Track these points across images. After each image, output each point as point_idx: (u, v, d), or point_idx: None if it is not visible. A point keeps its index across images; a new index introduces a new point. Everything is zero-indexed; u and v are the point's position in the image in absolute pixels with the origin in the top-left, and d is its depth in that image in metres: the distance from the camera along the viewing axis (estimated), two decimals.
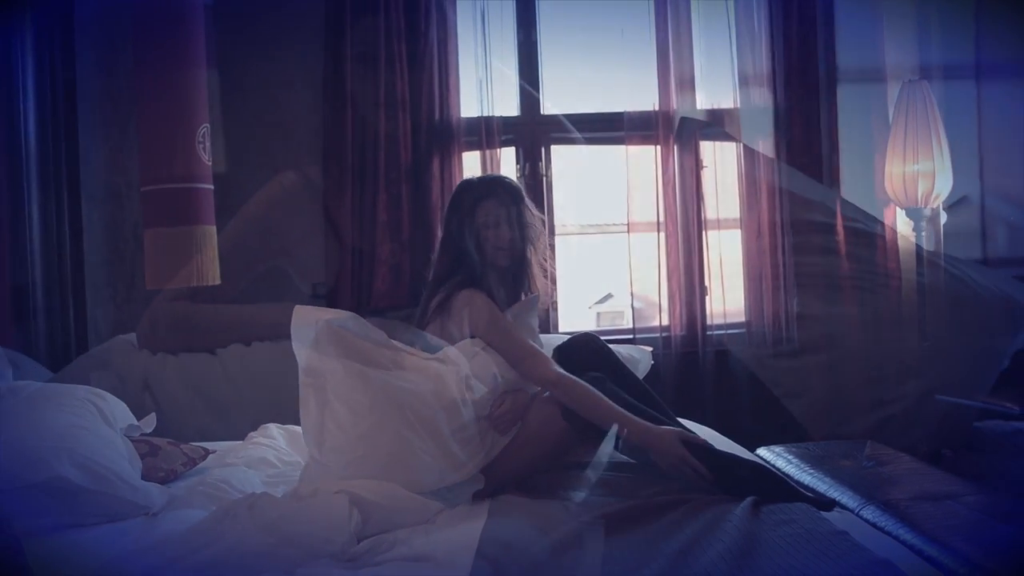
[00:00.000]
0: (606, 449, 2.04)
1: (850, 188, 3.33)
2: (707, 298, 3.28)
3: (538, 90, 3.34)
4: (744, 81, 3.29)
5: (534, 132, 3.33)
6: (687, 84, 3.28)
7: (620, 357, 2.23)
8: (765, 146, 3.26)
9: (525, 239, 2.23)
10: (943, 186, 3.23)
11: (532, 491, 1.95)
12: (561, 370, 2.05)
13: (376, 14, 3.05)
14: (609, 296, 4.12)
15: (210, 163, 2.17)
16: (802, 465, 2.20)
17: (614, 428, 1.94)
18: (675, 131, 3.27)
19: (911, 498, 1.89)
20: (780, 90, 3.28)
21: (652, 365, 2.86)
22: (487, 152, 3.19)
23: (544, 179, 3.33)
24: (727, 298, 3.28)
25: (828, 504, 1.85)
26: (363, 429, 1.90)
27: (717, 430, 2.41)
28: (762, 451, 2.40)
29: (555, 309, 3.31)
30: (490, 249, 2.18)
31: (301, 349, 1.97)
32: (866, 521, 1.79)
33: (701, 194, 3.28)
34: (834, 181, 3.29)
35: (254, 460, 2.23)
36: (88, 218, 3.07)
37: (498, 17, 3.22)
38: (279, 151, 3.18)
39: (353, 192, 3.06)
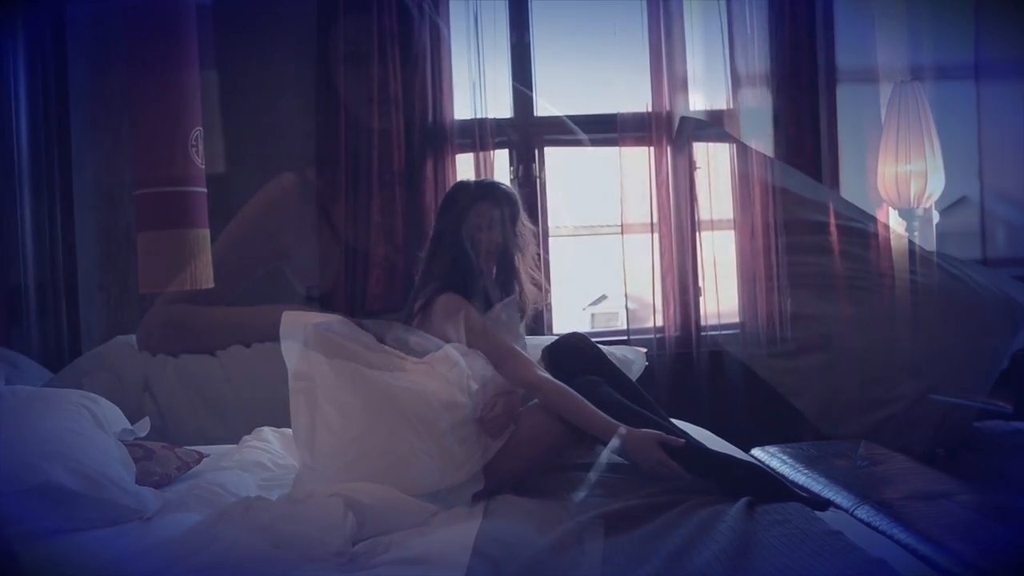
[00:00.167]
0: (601, 450, 2.05)
1: (845, 189, 3.34)
2: (701, 299, 3.28)
3: (531, 92, 3.34)
4: (737, 82, 3.30)
5: (527, 134, 3.33)
6: (680, 85, 3.28)
7: (610, 357, 2.23)
8: (762, 147, 3.27)
9: (515, 246, 2.23)
10: (935, 186, 3.24)
11: (528, 492, 1.95)
12: (543, 373, 2.05)
13: (369, 16, 3.04)
14: (603, 297, 4.12)
15: (203, 166, 2.17)
16: (797, 465, 2.20)
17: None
18: (675, 130, 3.27)
19: (905, 498, 1.90)
20: (775, 91, 3.28)
21: (646, 366, 2.87)
22: (480, 154, 3.19)
23: (538, 181, 3.33)
24: (721, 299, 3.29)
25: (823, 504, 1.85)
26: (354, 432, 1.90)
27: (712, 431, 2.41)
28: (757, 451, 2.41)
29: (549, 311, 3.31)
30: (480, 252, 2.18)
31: (290, 354, 1.97)
32: (860, 521, 1.79)
33: (695, 195, 3.28)
34: (834, 182, 3.30)
35: (248, 463, 2.22)
36: (81, 221, 3.06)
37: (491, 19, 3.21)
38: (273, 154, 3.18)
39: (347, 194, 3.06)
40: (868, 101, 3.44)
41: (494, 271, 2.23)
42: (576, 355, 2.15)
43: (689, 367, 3.26)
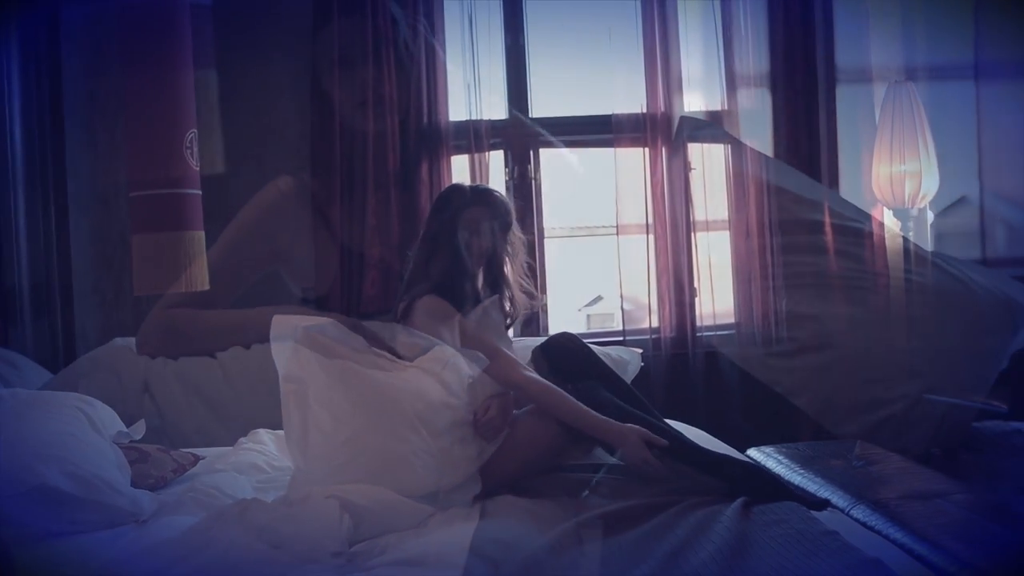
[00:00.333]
0: (598, 451, 2.05)
1: (843, 189, 3.35)
2: (696, 299, 3.29)
3: (526, 93, 3.35)
4: (733, 82, 3.30)
5: (522, 135, 3.33)
6: (675, 86, 3.28)
7: (604, 357, 2.24)
8: (760, 147, 3.27)
9: (505, 252, 2.23)
10: (930, 186, 3.25)
11: (525, 492, 1.95)
12: (528, 372, 2.05)
13: (363, 18, 3.04)
14: (599, 298, 4.13)
15: (198, 168, 2.17)
16: (792, 465, 2.21)
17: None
18: (674, 130, 3.27)
19: (901, 497, 1.90)
20: (772, 91, 3.29)
21: (642, 367, 2.87)
22: (476, 155, 3.18)
23: (533, 182, 3.33)
24: (716, 299, 3.29)
25: (821, 504, 1.86)
26: (346, 433, 1.89)
27: (707, 431, 2.42)
28: (752, 452, 2.41)
29: (545, 312, 3.32)
30: (469, 255, 2.18)
31: (280, 356, 1.97)
32: (856, 520, 1.80)
33: (690, 196, 3.28)
34: (832, 182, 3.30)
35: (244, 466, 2.22)
36: (76, 224, 3.06)
37: (485, 21, 3.21)
38: (268, 156, 3.18)
39: (342, 196, 3.06)
40: (869, 101, 3.44)
41: (481, 276, 2.24)
42: (566, 355, 2.15)
43: (685, 368, 3.27)
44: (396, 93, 3.07)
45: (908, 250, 3.12)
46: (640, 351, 2.94)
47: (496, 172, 3.28)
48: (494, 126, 3.24)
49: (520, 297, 2.28)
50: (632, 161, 3.28)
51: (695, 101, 3.35)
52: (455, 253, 2.17)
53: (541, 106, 3.37)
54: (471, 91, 3.19)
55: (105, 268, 3.10)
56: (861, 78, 3.45)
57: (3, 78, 2.83)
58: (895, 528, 1.71)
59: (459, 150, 3.19)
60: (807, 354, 3.13)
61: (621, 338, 3.26)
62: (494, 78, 3.24)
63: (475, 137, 3.18)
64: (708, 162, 3.31)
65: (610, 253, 3.31)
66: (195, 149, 2.14)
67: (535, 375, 2.06)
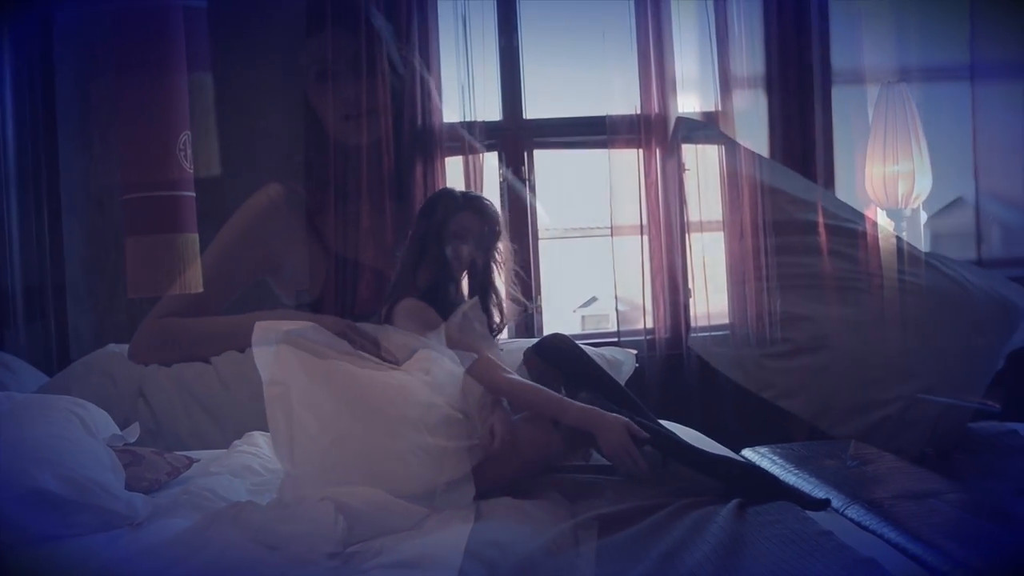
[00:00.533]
0: (595, 455, 2.05)
1: (838, 189, 3.36)
2: (691, 300, 3.29)
3: (520, 94, 3.35)
4: (728, 83, 3.31)
5: (517, 136, 3.33)
6: (670, 87, 3.29)
7: (598, 358, 2.24)
8: (755, 148, 3.27)
9: (493, 260, 2.23)
10: (923, 187, 3.26)
11: (521, 494, 1.95)
12: (509, 375, 2.05)
13: (356, 26, 3.03)
14: (593, 299, 4.13)
15: (192, 170, 2.16)
16: (787, 466, 2.21)
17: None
18: (670, 131, 3.27)
19: (895, 497, 1.91)
20: (767, 92, 3.30)
21: (636, 367, 2.87)
22: (470, 157, 3.19)
23: (527, 183, 3.33)
24: (711, 300, 3.29)
25: (821, 504, 1.86)
26: (332, 435, 1.89)
27: (702, 431, 2.42)
28: (747, 452, 2.41)
29: (540, 313, 3.32)
30: (454, 261, 2.18)
31: (263, 362, 1.97)
32: (851, 520, 1.80)
33: (684, 197, 3.29)
34: (828, 183, 3.31)
35: (238, 468, 2.22)
36: (69, 226, 3.05)
37: (479, 22, 3.22)
38: (263, 158, 3.17)
39: (336, 198, 3.05)
40: (864, 102, 3.45)
41: (467, 281, 2.24)
42: (558, 356, 2.15)
43: (679, 368, 3.27)
44: (388, 100, 3.04)
45: (903, 251, 3.12)
46: (635, 352, 2.94)
47: (490, 174, 3.28)
48: (488, 127, 3.24)
49: (507, 305, 2.28)
50: (627, 162, 3.28)
51: (689, 102, 3.36)
52: (441, 258, 2.17)
53: (535, 108, 3.38)
54: (465, 93, 3.19)
55: (99, 270, 3.09)
56: (856, 79, 3.46)
57: None
58: (890, 528, 1.71)
59: (453, 152, 3.19)
60: (802, 355, 3.13)
61: (616, 339, 3.26)
62: (488, 80, 3.24)
63: (469, 139, 3.18)
64: (703, 163, 3.32)
65: (605, 254, 3.32)
66: (188, 151, 2.14)
67: (515, 376, 2.06)
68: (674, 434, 2.07)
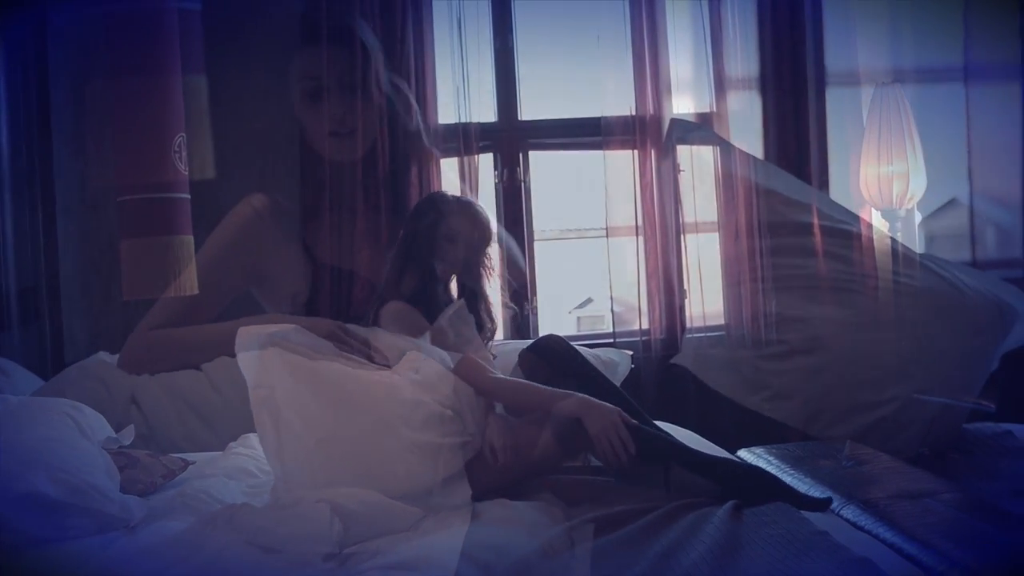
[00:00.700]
0: (592, 458, 2.05)
1: (833, 191, 3.37)
2: (686, 301, 3.29)
3: (516, 96, 3.35)
4: (722, 85, 3.31)
5: (512, 138, 3.34)
6: (665, 88, 3.29)
7: (593, 359, 2.24)
8: (750, 149, 3.28)
9: (482, 266, 2.23)
10: (917, 187, 3.27)
11: (517, 496, 1.94)
12: (496, 375, 2.05)
13: (347, 34, 3.02)
14: (589, 300, 4.14)
15: (187, 172, 2.16)
16: (782, 466, 2.21)
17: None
18: (664, 133, 3.27)
19: (890, 497, 1.91)
20: (761, 93, 3.30)
21: (632, 368, 2.88)
22: (465, 158, 3.19)
23: (522, 185, 3.34)
24: (706, 301, 3.30)
25: (823, 503, 1.86)
26: (318, 435, 1.88)
27: (697, 432, 2.42)
28: (743, 452, 2.42)
29: (535, 314, 3.32)
30: (443, 266, 2.18)
31: (248, 366, 1.96)
32: (846, 520, 1.80)
33: (679, 198, 3.29)
34: (823, 185, 3.32)
35: (234, 471, 2.21)
36: (64, 229, 3.05)
37: (474, 24, 3.22)
38: (258, 160, 3.17)
39: (331, 200, 3.05)
40: (859, 103, 3.46)
41: (457, 289, 2.24)
42: (553, 357, 2.15)
43: (674, 369, 3.27)
44: (376, 117, 3.02)
45: (898, 252, 3.13)
46: (630, 353, 2.94)
47: (486, 175, 3.29)
48: (484, 129, 3.24)
49: (496, 312, 2.28)
50: (622, 164, 3.29)
51: (684, 103, 3.36)
52: (429, 262, 2.17)
53: (530, 109, 3.38)
54: (460, 94, 3.19)
55: (94, 273, 3.08)
56: (850, 80, 3.47)
57: None
58: (884, 527, 1.71)
59: (448, 153, 3.19)
60: (797, 357, 3.13)
61: (611, 340, 3.27)
62: (483, 81, 3.25)
63: (464, 140, 3.18)
64: (697, 164, 3.32)
65: (600, 255, 3.32)
66: (183, 153, 2.14)
67: (500, 376, 2.05)
68: (671, 435, 2.07)
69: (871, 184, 3.30)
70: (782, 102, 3.30)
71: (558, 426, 1.97)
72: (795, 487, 2.01)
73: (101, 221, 3.07)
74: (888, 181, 3.27)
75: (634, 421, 1.92)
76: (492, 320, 2.30)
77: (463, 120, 3.19)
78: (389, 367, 2.03)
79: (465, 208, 2.25)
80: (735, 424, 3.09)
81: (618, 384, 2.42)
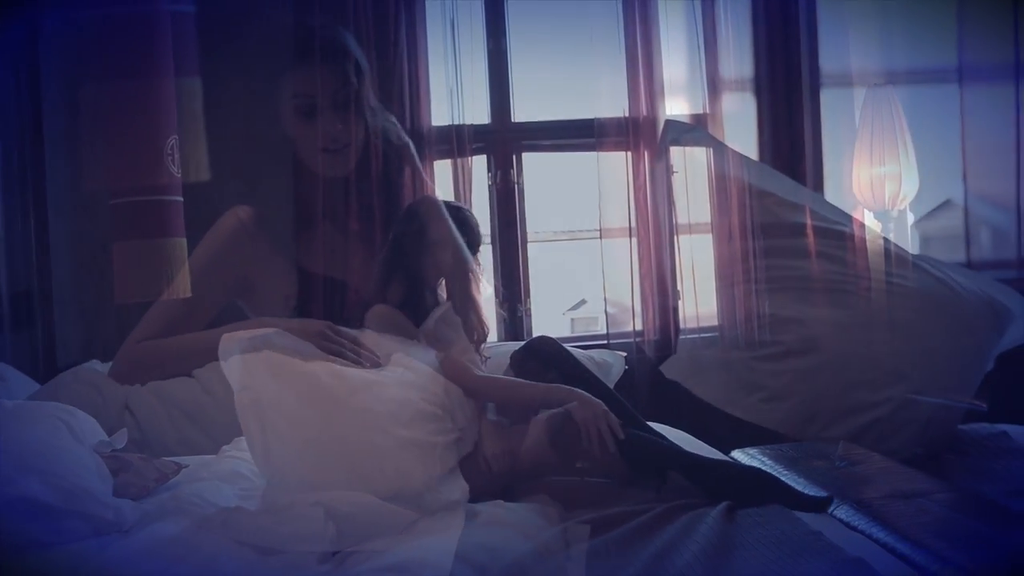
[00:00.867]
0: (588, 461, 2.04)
1: (827, 192, 3.37)
2: (680, 303, 3.30)
3: (509, 97, 3.35)
4: (716, 86, 3.32)
5: (505, 140, 3.34)
6: (658, 90, 3.30)
7: (586, 361, 2.23)
8: (744, 151, 3.28)
9: (469, 269, 2.23)
10: (909, 188, 3.29)
11: (511, 498, 1.94)
12: (481, 373, 2.05)
13: (345, 23, 3.03)
14: (583, 302, 4.15)
15: (179, 175, 2.16)
16: (776, 467, 2.21)
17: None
18: (659, 134, 3.28)
19: (884, 497, 1.91)
20: (755, 95, 3.31)
21: (626, 369, 2.88)
22: (458, 160, 3.19)
23: (516, 186, 3.34)
24: (700, 302, 3.30)
25: (824, 503, 1.86)
26: (304, 436, 1.87)
27: (691, 433, 2.42)
28: (736, 453, 2.42)
29: (529, 316, 3.32)
30: (431, 270, 2.18)
31: (231, 371, 1.95)
32: (839, 520, 1.80)
33: (672, 199, 3.29)
34: (817, 186, 3.32)
35: (228, 474, 2.20)
36: (56, 231, 3.04)
37: (467, 25, 3.22)
38: (253, 163, 3.16)
39: (324, 201, 3.04)
40: (853, 105, 3.47)
41: (442, 289, 2.24)
42: (545, 359, 2.15)
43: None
44: (368, 131, 3.01)
45: (891, 253, 3.13)
46: (624, 354, 2.94)
47: (479, 177, 3.29)
48: (477, 131, 3.24)
49: (487, 315, 2.28)
50: (615, 165, 3.29)
51: (678, 105, 3.37)
52: (416, 265, 2.17)
53: (523, 111, 3.38)
54: (453, 96, 3.19)
55: (86, 276, 3.08)
56: (844, 82, 3.48)
57: None
58: (879, 528, 1.71)
59: (442, 155, 3.19)
60: (791, 358, 3.13)
61: (605, 341, 3.27)
62: (476, 83, 3.25)
63: (458, 142, 3.18)
64: (691, 165, 3.33)
65: (593, 257, 3.32)
66: (176, 156, 2.13)
67: (486, 375, 2.05)
68: (665, 438, 2.07)
69: (864, 185, 3.32)
70: (776, 103, 3.31)
71: (551, 427, 1.96)
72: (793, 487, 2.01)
73: (94, 224, 3.06)
74: (880, 182, 3.28)
75: (617, 421, 1.91)
76: (482, 323, 2.29)
77: (456, 122, 3.19)
78: (380, 366, 2.02)
79: (454, 214, 2.25)
80: (729, 425, 3.09)
81: (611, 386, 2.42)
